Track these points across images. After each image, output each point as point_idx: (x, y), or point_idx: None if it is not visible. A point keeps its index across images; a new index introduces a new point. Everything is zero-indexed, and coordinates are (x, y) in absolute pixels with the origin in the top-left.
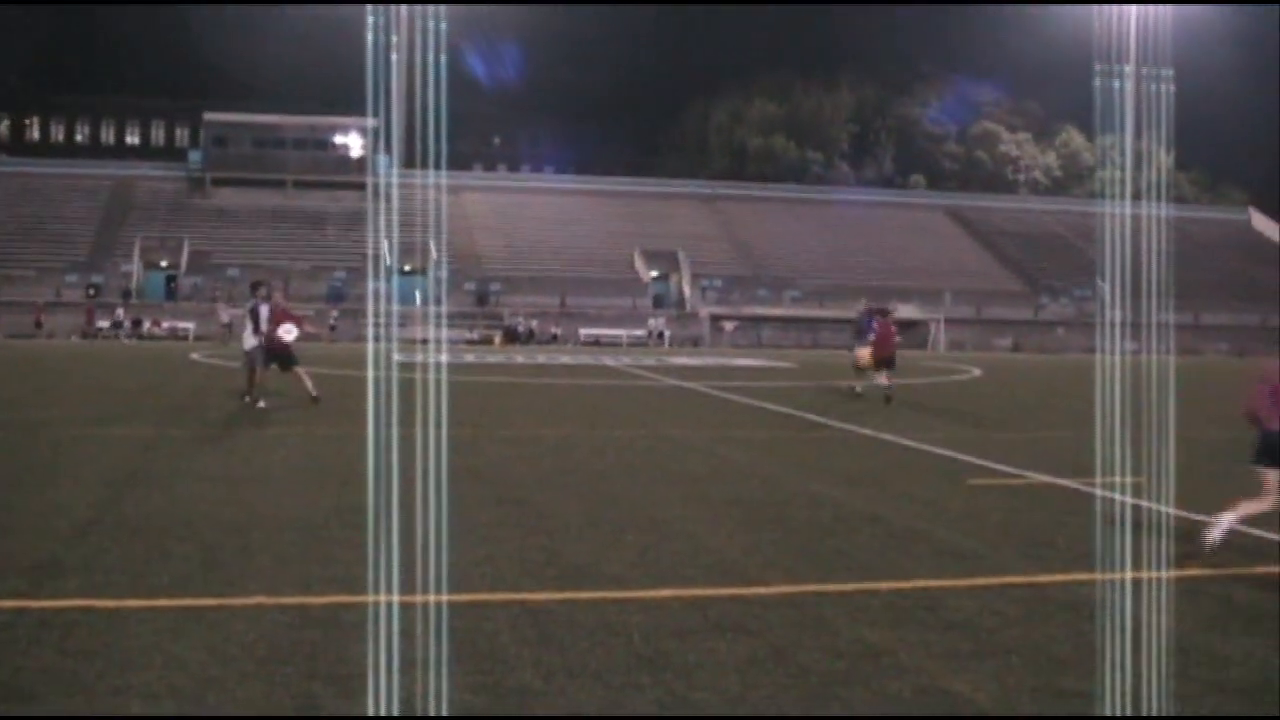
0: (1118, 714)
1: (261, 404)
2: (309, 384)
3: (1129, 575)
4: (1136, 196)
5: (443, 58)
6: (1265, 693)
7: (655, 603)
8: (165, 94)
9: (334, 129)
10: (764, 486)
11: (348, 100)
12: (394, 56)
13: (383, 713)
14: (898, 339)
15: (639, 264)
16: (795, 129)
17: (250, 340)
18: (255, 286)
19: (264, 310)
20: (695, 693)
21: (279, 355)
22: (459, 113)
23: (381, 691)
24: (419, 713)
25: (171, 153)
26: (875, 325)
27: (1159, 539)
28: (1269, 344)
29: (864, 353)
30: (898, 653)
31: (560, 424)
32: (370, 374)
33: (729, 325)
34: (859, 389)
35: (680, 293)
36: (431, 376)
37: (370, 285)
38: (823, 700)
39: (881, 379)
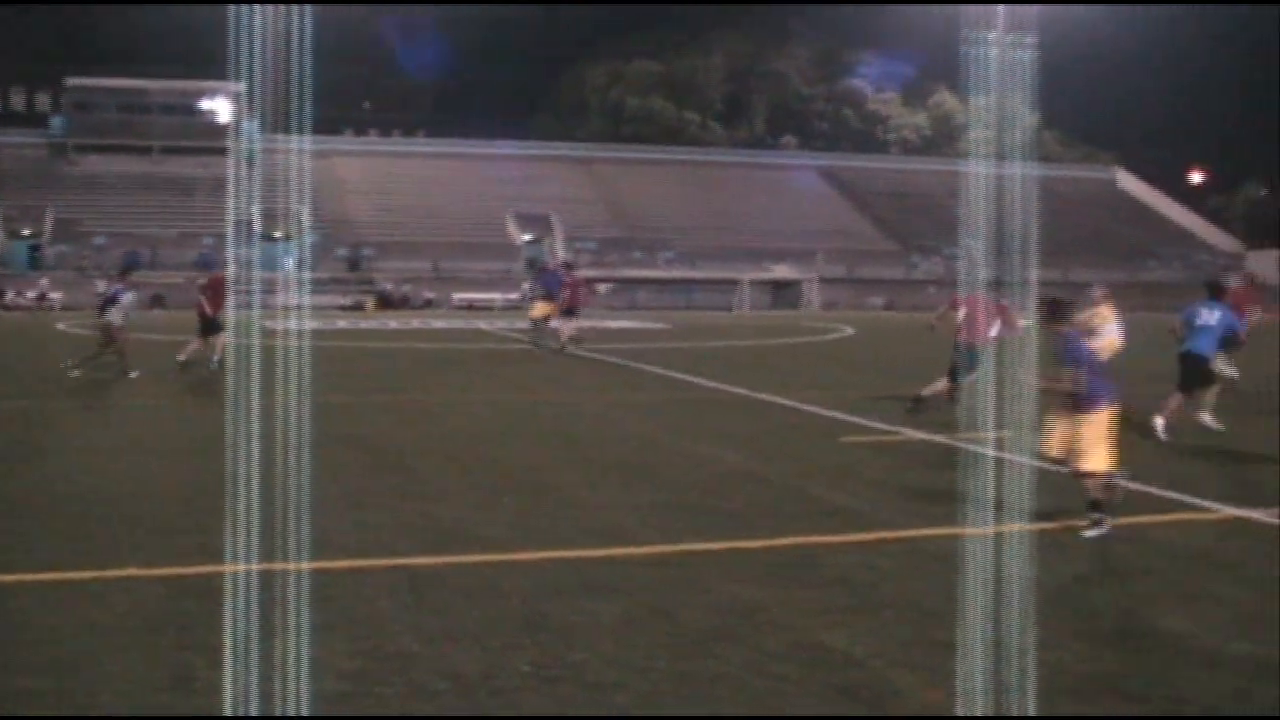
0: (988, 666)
1: (133, 374)
2: (217, 353)
3: (1000, 528)
4: (1004, 156)
5: (309, 20)
6: (1129, 639)
7: (534, 565)
8: (25, 59)
9: (201, 94)
10: (640, 447)
11: (215, 64)
12: (260, 19)
13: (254, 681)
14: (587, 292)
15: (512, 227)
16: (672, 89)
17: (113, 316)
18: (125, 272)
19: (126, 298)
20: (573, 653)
21: (207, 323)
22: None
23: (255, 660)
24: (291, 680)
25: (32, 119)
26: (566, 279)
27: (1027, 492)
28: (1135, 298)
29: (542, 306)
30: (774, 609)
31: (435, 389)
32: (236, 342)
33: (604, 287)
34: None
35: (553, 255)
36: (302, 343)
37: (236, 252)
38: (699, 658)
39: (568, 329)
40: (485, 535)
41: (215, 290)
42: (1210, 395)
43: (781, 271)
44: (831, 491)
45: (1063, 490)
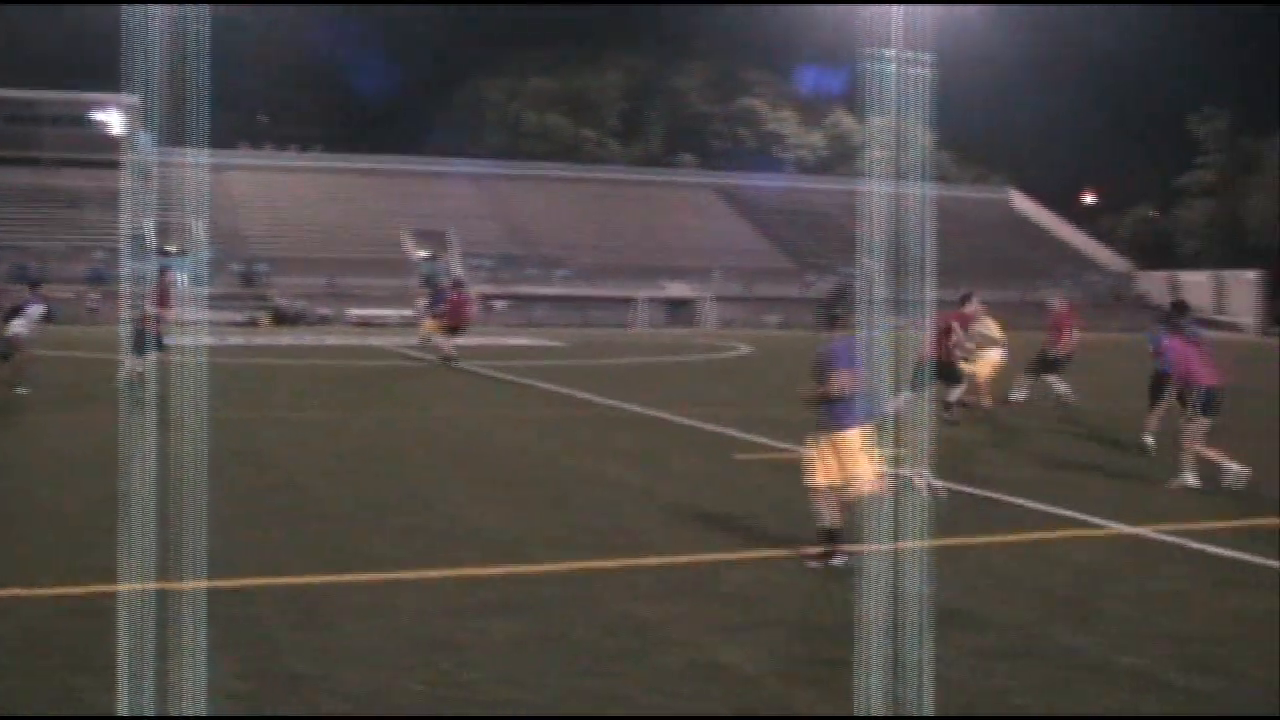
0: (882, 682)
1: (22, 390)
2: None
3: (892, 545)
4: (900, 176)
5: (205, 31)
6: (1020, 655)
7: (426, 583)
8: None
9: (93, 105)
10: (536, 464)
11: (108, 76)
12: (154, 29)
13: (144, 703)
14: (472, 310)
15: (408, 243)
16: (569, 106)
17: (18, 327)
18: (35, 284)
19: (33, 310)
20: (465, 672)
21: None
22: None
23: (146, 681)
24: (181, 702)
25: None
26: (451, 297)
27: (922, 508)
28: (1028, 317)
29: (430, 323)
30: (669, 626)
31: (330, 406)
32: (128, 360)
33: (499, 304)
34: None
35: (450, 272)
36: (197, 360)
37: (129, 266)
38: (594, 676)
39: (447, 346)
40: (377, 554)
41: (164, 293)
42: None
43: (677, 289)
44: (726, 508)
45: (955, 506)
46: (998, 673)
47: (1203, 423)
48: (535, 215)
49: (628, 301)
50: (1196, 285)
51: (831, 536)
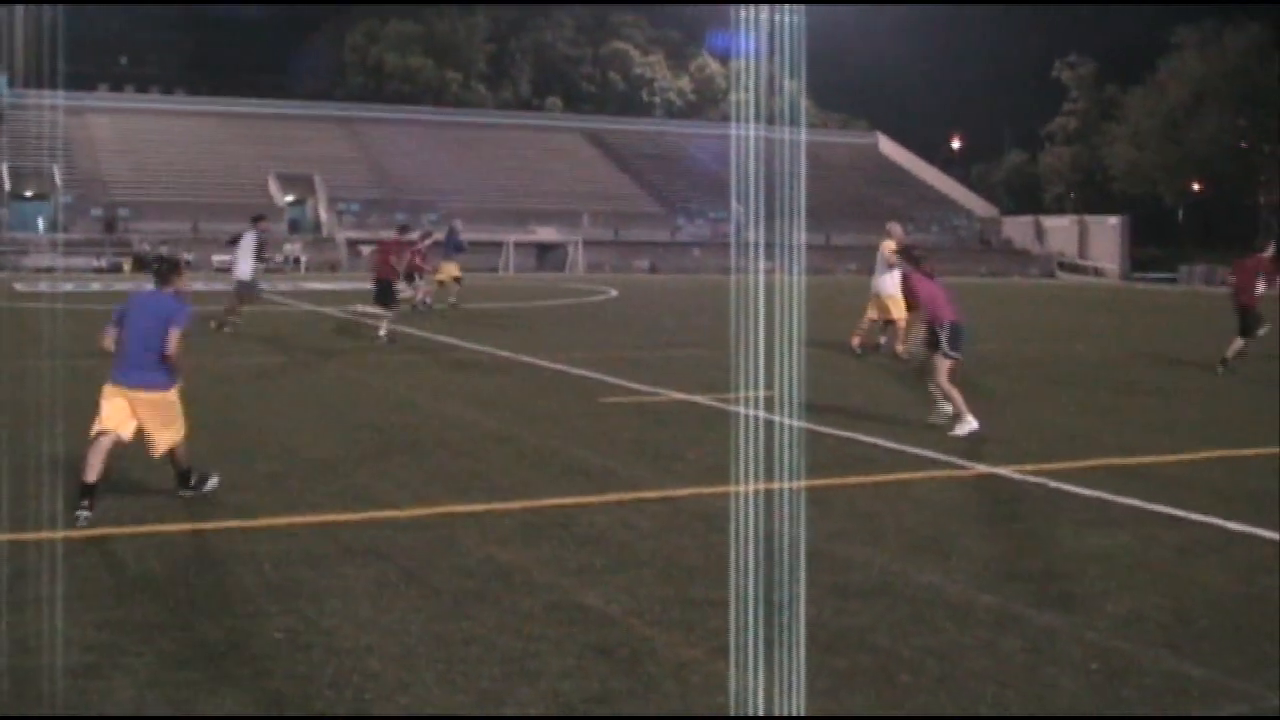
0: (744, 622)
1: None
2: None
3: (759, 486)
4: (769, 121)
5: None
6: (882, 594)
7: (286, 530)
8: None
9: None
10: (397, 410)
11: None
12: None
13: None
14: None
15: (274, 188)
16: (433, 48)
17: None
18: None
19: None
20: (325, 619)
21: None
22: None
23: None
24: (34, 653)
25: None
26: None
27: (788, 450)
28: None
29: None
30: (530, 570)
31: (189, 352)
32: None
33: (366, 249)
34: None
35: (316, 217)
36: (55, 306)
37: None
38: (454, 620)
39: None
40: (236, 502)
41: None
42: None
43: (546, 234)
44: (590, 452)
45: (823, 448)
46: (860, 612)
47: (948, 360)
48: (402, 160)
49: (496, 246)
50: (1061, 230)
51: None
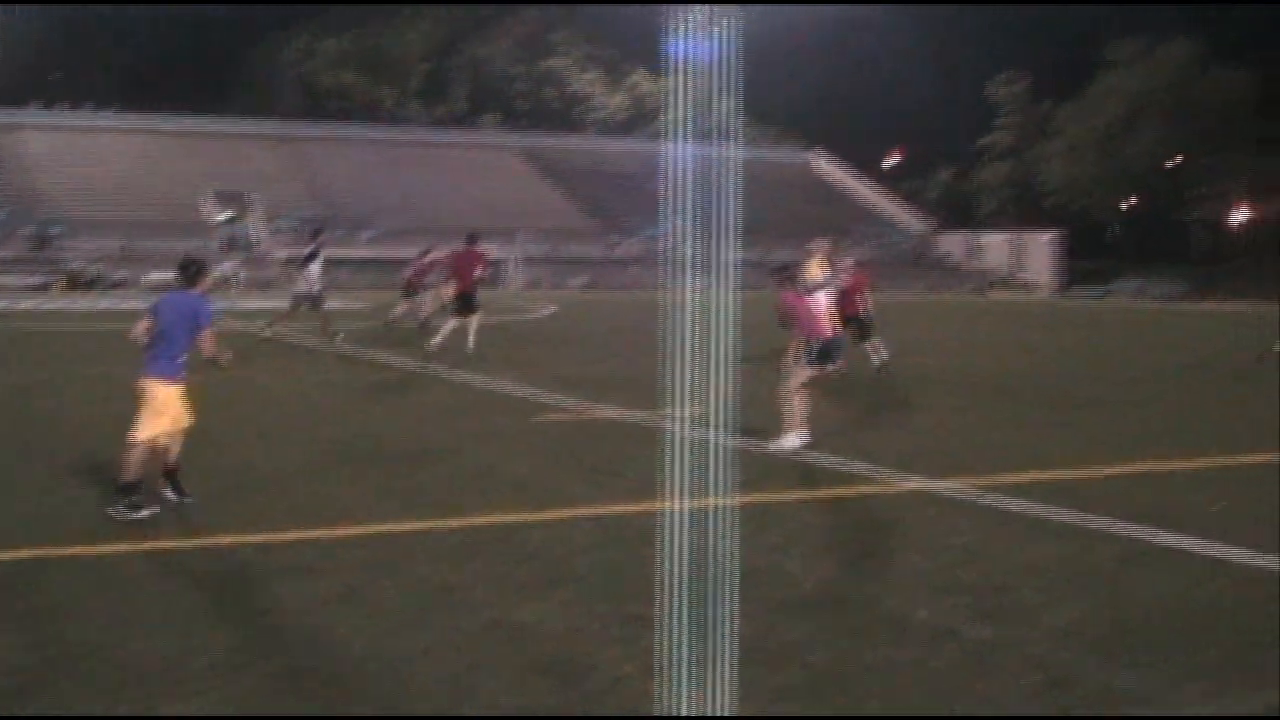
0: (682, 638)
1: None
2: None
3: (694, 503)
4: (705, 138)
5: None
6: (818, 610)
7: (226, 549)
8: None
9: None
10: (338, 428)
11: None
12: None
13: None
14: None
15: (208, 205)
16: (368, 65)
17: None
18: None
19: None
20: (263, 637)
21: None
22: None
23: None
24: None
25: None
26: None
27: (723, 466)
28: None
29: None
30: (469, 588)
31: (122, 369)
32: None
33: (414, 262)
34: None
35: (252, 234)
36: None
37: None
38: (394, 638)
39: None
40: (175, 520)
41: None
42: None
43: (483, 251)
44: (527, 469)
45: (758, 464)
46: (796, 627)
47: (809, 370)
48: (338, 177)
49: (432, 263)
50: (995, 246)
51: (131, 489)
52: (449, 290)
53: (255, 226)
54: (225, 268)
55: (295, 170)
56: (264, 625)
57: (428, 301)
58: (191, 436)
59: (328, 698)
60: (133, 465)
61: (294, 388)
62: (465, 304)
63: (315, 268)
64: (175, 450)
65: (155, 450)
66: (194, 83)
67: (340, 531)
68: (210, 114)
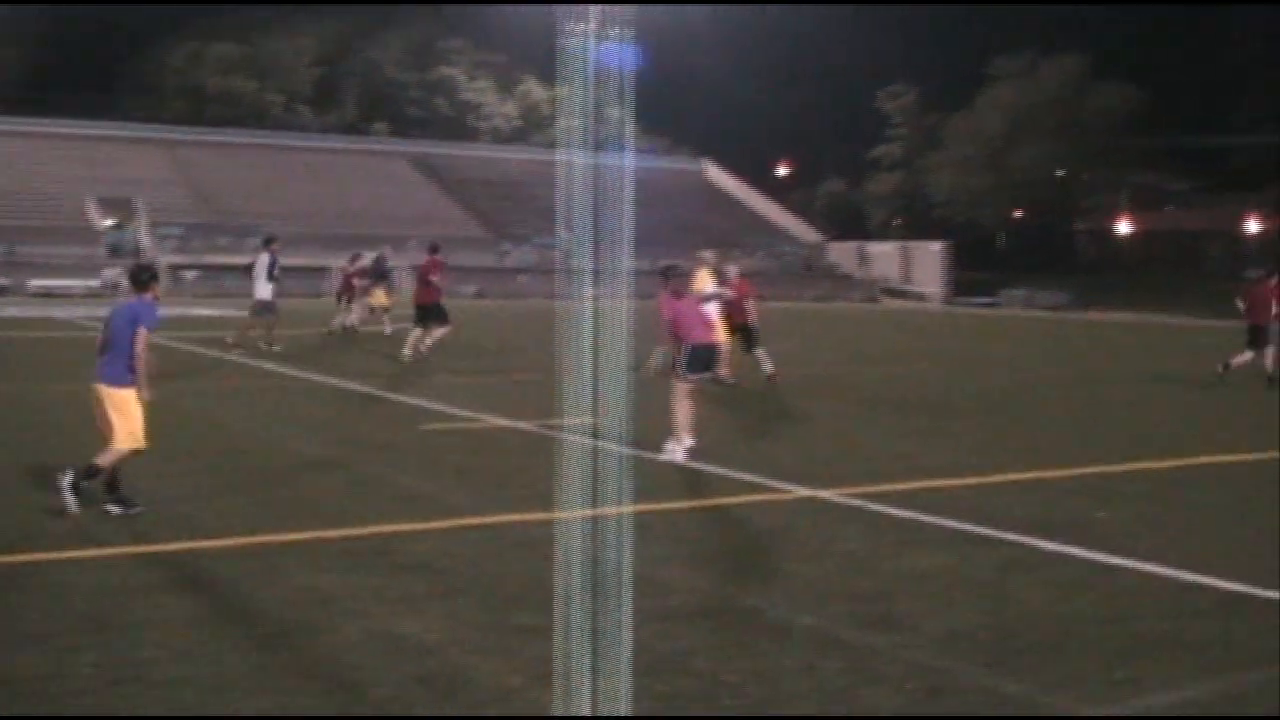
0: (567, 648)
1: None
2: None
3: (582, 513)
4: (595, 147)
5: None
6: (704, 618)
7: (101, 561)
8: None
9: None
10: (219, 436)
11: None
12: None
13: None
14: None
15: (93, 212)
16: (256, 71)
17: None
18: None
19: None
20: (141, 651)
21: None
22: None
23: None
24: None
25: None
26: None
27: (612, 476)
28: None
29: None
30: (351, 599)
31: (6, 379)
32: None
33: (190, 274)
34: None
35: (138, 241)
36: None
37: None
38: (273, 651)
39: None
40: (51, 530)
41: None
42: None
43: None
44: (412, 479)
45: (647, 473)
46: (682, 636)
47: (690, 379)
48: (226, 183)
49: (323, 271)
50: (885, 256)
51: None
52: (379, 297)
53: (141, 233)
54: (108, 275)
55: (182, 177)
56: (143, 638)
57: (357, 309)
58: (75, 447)
59: (204, 711)
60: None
61: (175, 399)
62: (424, 314)
63: (262, 278)
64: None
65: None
66: (79, 87)
67: (223, 543)
68: (95, 118)
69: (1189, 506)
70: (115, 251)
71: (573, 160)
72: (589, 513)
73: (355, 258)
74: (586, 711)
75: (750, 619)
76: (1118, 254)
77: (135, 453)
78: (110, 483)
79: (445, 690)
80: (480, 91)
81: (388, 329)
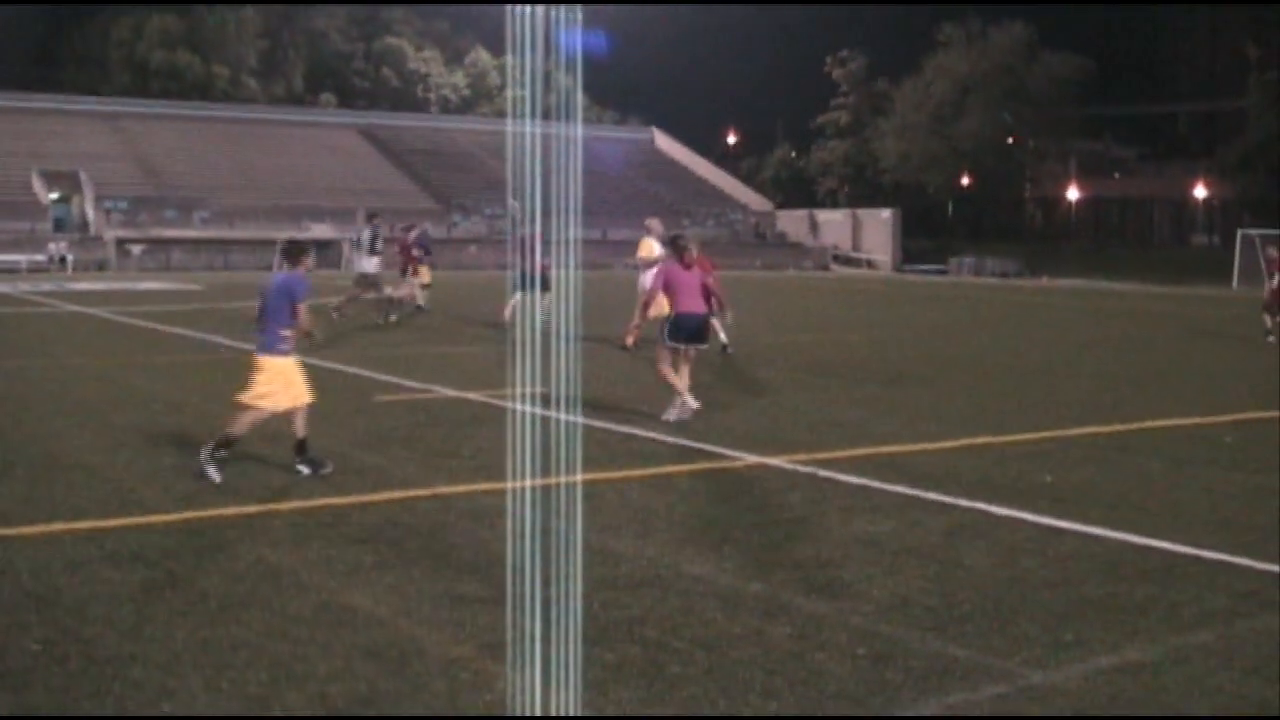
0: (514, 618)
1: None
2: None
3: (531, 483)
4: (545, 116)
5: None
6: (652, 586)
7: (47, 538)
8: None
9: None
10: (165, 412)
11: None
12: None
13: None
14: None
15: (37, 185)
16: (200, 44)
17: None
18: None
19: None
20: (87, 628)
21: None
22: None
23: None
24: None
25: None
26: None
27: (561, 446)
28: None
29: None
30: (299, 571)
31: None
32: None
33: (136, 248)
34: None
35: (83, 215)
36: None
37: None
38: (220, 625)
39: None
40: None
41: None
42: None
43: (321, 231)
44: (362, 451)
45: (595, 442)
46: (630, 604)
47: (669, 347)
48: (171, 156)
49: (270, 244)
50: (834, 223)
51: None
52: (425, 273)
53: (87, 207)
54: (53, 249)
55: (127, 150)
56: (88, 615)
57: (406, 285)
58: (20, 423)
59: (152, 687)
60: (238, 424)
61: (120, 373)
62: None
63: (364, 252)
64: (299, 423)
65: (259, 418)
66: (20, 59)
67: (169, 517)
68: (37, 91)
69: (1135, 471)
70: (60, 226)
71: (521, 130)
72: (539, 482)
73: (409, 227)
74: (537, 681)
75: (698, 587)
76: (1066, 221)
77: (306, 408)
78: (299, 444)
79: (394, 661)
80: (428, 62)
81: (426, 305)
